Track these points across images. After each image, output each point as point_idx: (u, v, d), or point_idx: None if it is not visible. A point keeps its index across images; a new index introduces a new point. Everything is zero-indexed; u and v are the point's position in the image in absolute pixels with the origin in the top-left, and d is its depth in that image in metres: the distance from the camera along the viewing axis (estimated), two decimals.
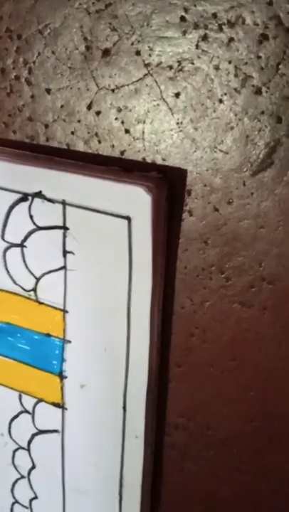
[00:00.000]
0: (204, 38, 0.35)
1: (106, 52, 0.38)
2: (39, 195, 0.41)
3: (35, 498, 0.53)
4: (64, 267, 0.42)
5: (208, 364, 0.43)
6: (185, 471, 0.47)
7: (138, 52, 0.37)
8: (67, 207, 0.40)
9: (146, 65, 0.37)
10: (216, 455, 0.46)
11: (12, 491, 0.54)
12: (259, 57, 0.34)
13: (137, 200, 0.38)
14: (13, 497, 0.54)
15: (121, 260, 0.40)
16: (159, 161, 0.39)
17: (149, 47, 0.36)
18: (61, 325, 0.44)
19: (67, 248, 0.42)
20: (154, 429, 0.46)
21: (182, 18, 0.35)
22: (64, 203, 0.40)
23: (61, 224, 0.41)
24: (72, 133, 0.41)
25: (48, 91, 0.40)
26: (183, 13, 0.35)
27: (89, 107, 0.39)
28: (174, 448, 0.47)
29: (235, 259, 0.39)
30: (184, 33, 0.35)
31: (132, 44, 0.37)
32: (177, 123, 0.37)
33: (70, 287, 0.43)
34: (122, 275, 0.41)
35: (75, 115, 0.40)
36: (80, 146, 0.41)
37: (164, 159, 0.39)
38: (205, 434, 0.45)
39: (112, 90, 0.38)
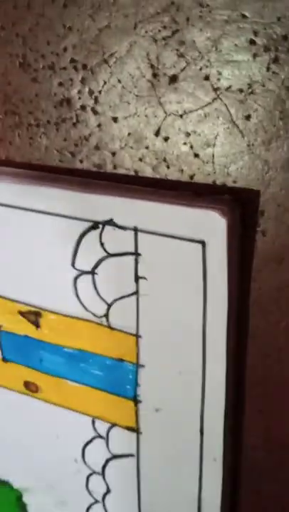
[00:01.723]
0: (275, 60, 0.35)
1: (173, 79, 0.38)
2: (110, 222, 0.41)
3: None
4: (136, 293, 0.42)
5: (285, 383, 0.42)
6: (263, 492, 0.47)
7: (206, 77, 0.37)
8: (139, 233, 0.40)
9: (215, 90, 0.37)
10: None
11: None
12: None
13: (210, 224, 0.38)
14: None
15: (195, 284, 0.40)
16: (229, 184, 0.39)
17: (218, 71, 0.36)
18: (134, 350, 0.44)
19: (140, 274, 0.42)
20: (232, 451, 0.45)
21: (252, 42, 0.35)
22: (136, 230, 0.40)
23: (133, 250, 0.41)
24: (140, 159, 0.41)
25: (115, 119, 0.40)
26: (252, 37, 0.35)
27: (157, 134, 0.40)
28: (252, 469, 0.46)
29: None
30: (254, 56, 0.35)
31: (200, 69, 0.37)
32: (248, 145, 0.37)
33: (143, 312, 0.43)
34: (196, 299, 0.40)
35: (143, 142, 0.40)
36: (149, 173, 0.41)
37: (234, 181, 0.39)
38: (282, 454, 0.45)
39: (180, 116, 0.38)
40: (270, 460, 0.46)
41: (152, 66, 0.38)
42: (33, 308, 0.47)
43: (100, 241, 0.42)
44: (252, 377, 0.43)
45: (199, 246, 0.39)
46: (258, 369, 0.43)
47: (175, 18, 0.37)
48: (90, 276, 0.44)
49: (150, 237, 0.40)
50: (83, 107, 0.41)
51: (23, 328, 0.48)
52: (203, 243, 0.39)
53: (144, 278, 0.42)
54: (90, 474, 0.51)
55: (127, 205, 0.40)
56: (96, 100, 0.40)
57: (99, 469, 0.51)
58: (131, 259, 0.42)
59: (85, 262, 0.43)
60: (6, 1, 0.40)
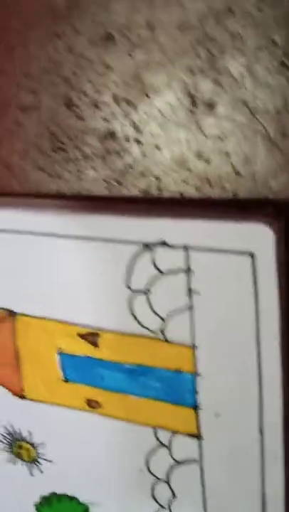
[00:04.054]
0: None
1: (211, 105, 0.41)
2: (161, 243, 0.44)
3: None
4: (190, 306, 0.45)
5: None
6: None
7: (243, 101, 0.40)
8: (189, 251, 0.43)
9: (252, 112, 0.40)
10: None
11: None
12: None
13: (258, 236, 0.40)
14: None
15: (246, 294, 0.43)
16: (272, 197, 0.41)
17: (253, 95, 0.39)
18: (191, 360, 0.47)
19: (192, 288, 0.44)
20: None
21: (283, 65, 0.38)
22: (186, 248, 0.43)
23: (184, 267, 0.44)
24: (184, 182, 0.43)
25: (158, 147, 0.43)
26: (284, 60, 0.38)
27: (198, 157, 0.42)
28: None
29: None
30: (288, 78, 0.38)
31: (237, 94, 0.40)
32: (287, 160, 0.40)
33: (198, 324, 0.46)
34: (248, 308, 0.43)
35: (185, 165, 0.43)
36: (193, 193, 0.44)
37: (276, 195, 0.41)
38: None
39: (220, 138, 0.41)
40: None
41: (190, 95, 0.41)
42: (91, 330, 0.50)
43: (153, 261, 0.45)
44: None
45: (248, 258, 0.41)
46: None
47: (209, 49, 0.40)
48: (144, 295, 0.46)
49: (200, 253, 0.43)
50: (127, 139, 0.44)
51: (83, 348, 0.50)
52: (252, 255, 0.41)
53: (197, 292, 0.44)
54: (155, 482, 0.54)
55: (176, 226, 0.43)
56: (138, 131, 0.43)
57: (164, 477, 0.53)
58: (183, 275, 0.44)
59: (139, 282, 0.46)
60: (48, 45, 0.43)
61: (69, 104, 0.44)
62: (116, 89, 0.43)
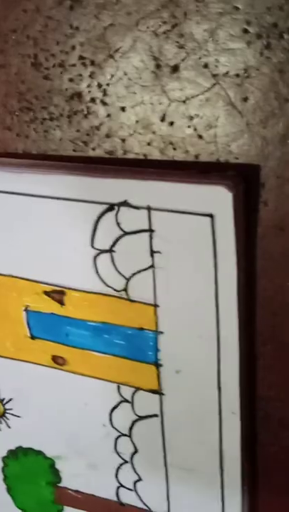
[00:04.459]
0: (267, 46, 0.39)
1: (175, 68, 0.42)
2: (124, 204, 0.45)
3: (140, 480, 0.57)
4: (152, 266, 0.46)
5: None
6: (279, 442, 0.51)
7: (206, 65, 0.41)
8: (152, 211, 0.44)
9: (214, 76, 0.41)
10: None
11: (116, 476, 0.58)
12: None
13: (218, 198, 0.42)
14: (118, 481, 0.59)
15: (206, 253, 0.44)
16: (232, 160, 0.43)
17: (215, 59, 0.40)
18: (153, 318, 0.49)
19: (154, 248, 0.46)
20: (248, 404, 0.50)
21: (245, 31, 0.39)
22: (149, 208, 0.44)
23: (147, 227, 0.45)
24: (148, 144, 0.44)
25: (123, 109, 0.44)
26: (245, 26, 0.39)
27: (162, 119, 0.43)
28: (268, 420, 0.51)
29: None
30: (248, 43, 0.39)
31: (200, 58, 0.41)
32: (247, 124, 0.41)
33: (159, 283, 0.47)
34: (208, 267, 0.44)
35: (150, 128, 0.44)
36: (157, 155, 0.45)
37: (236, 158, 0.43)
38: None
39: (183, 101, 0.42)
40: (284, 410, 0.50)
41: (155, 58, 0.42)
42: (57, 288, 0.51)
43: (116, 221, 0.46)
44: (262, 335, 0.48)
45: (208, 219, 0.43)
46: (268, 327, 0.47)
47: (174, 13, 0.40)
48: (108, 255, 0.48)
49: (162, 214, 0.44)
50: (93, 100, 0.45)
51: (49, 306, 0.52)
52: (211, 216, 0.43)
53: (159, 252, 0.46)
54: (118, 437, 0.56)
55: (140, 187, 0.44)
56: (104, 92, 0.44)
57: (126, 431, 0.55)
58: (146, 235, 0.46)
59: (103, 242, 0.47)
60: (16, 5, 0.44)
61: (36, 64, 0.45)
62: (82, 51, 0.44)
